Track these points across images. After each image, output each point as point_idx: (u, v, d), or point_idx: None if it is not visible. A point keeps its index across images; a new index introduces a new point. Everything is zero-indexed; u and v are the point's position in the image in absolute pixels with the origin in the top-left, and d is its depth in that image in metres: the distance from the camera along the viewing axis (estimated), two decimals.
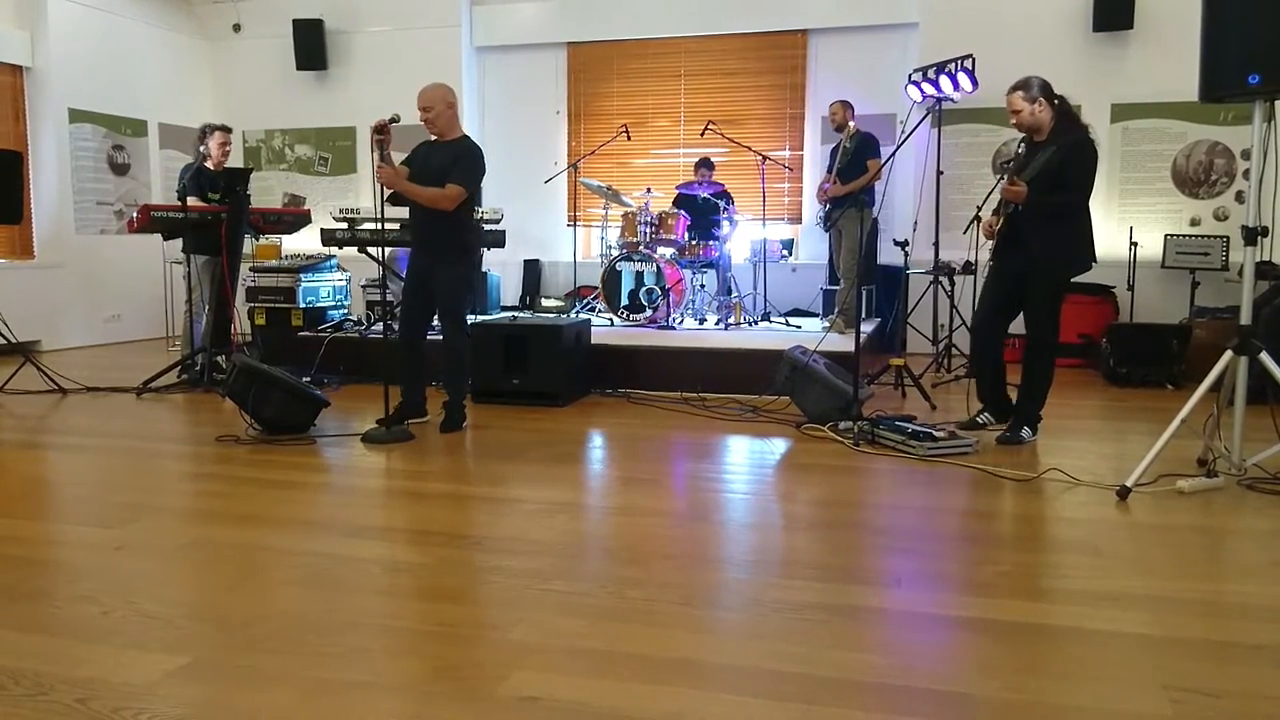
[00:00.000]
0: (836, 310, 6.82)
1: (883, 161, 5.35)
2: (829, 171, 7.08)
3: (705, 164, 7.88)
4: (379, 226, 4.67)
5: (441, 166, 4.64)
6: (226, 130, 6.55)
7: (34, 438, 4.79)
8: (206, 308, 6.24)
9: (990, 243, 4.64)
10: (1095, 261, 4.50)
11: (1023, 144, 4.63)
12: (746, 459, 4.36)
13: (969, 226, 6.61)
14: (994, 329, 4.68)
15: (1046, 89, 4.41)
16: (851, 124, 6.99)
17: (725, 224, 7.50)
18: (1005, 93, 4.48)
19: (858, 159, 6.87)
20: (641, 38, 9.02)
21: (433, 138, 4.80)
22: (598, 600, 2.57)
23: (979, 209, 6.67)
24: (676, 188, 8.01)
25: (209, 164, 6.42)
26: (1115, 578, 2.76)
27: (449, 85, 4.78)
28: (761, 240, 8.03)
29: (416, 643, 2.31)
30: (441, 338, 4.89)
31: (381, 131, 4.46)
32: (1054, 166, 4.33)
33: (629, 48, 9.11)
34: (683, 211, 7.49)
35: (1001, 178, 4.55)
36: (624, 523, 3.33)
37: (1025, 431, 4.58)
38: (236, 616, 2.46)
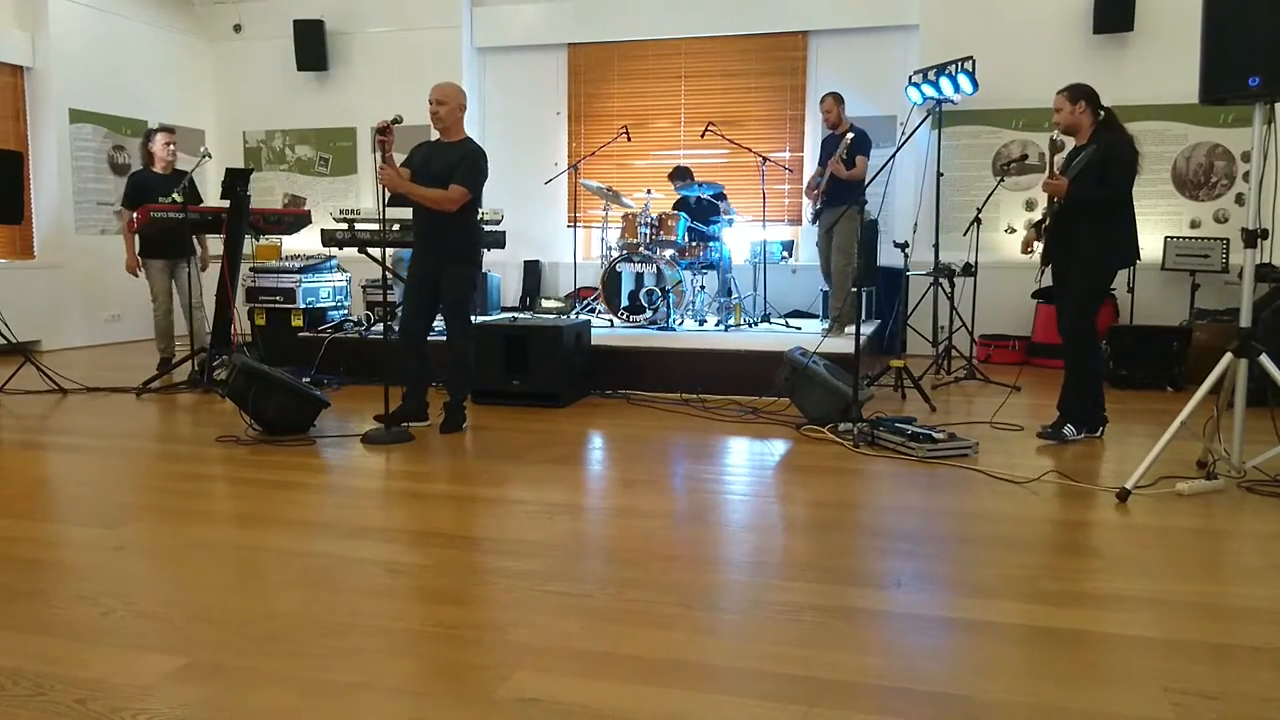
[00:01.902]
0: (831, 319, 6.82)
1: (883, 164, 5.32)
2: (820, 165, 7.00)
3: (678, 174, 7.84)
4: (379, 227, 4.66)
5: (444, 167, 4.62)
6: (169, 131, 6.58)
7: (34, 438, 4.79)
8: (181, 309, 6.33)
9: (1036, 254, 4.70)
10: (1139, 258, 4.61)
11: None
12: (746, 460, 4.36)
13: (969, 228, 6.64)
14: None
15: (1092, 96, 4.57)
16: (846, 124, 6.90)
17: (724, 224, 7.50)
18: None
19: (849, 158, 6.83)
20: (642, 39, 9.03)
21: (433, 138, 4.79)
22: (598, 602, 2.57)
23: (979, 211, 6.70)
24: (677, 189, 8.00)
25: (156, 168, 6.45)
26: (1115, 580, 2.76)
27: (463, 89, 4.79)
28: (761, 242, 8.03)
29: (416, 644, 2.31)
30: (446, 339, 4.88)
31: (384, 133, 4.46)
32: (1095, 164, 4.44)
33: (629, 49, 9.11)
34: (682, 214, 7.48)
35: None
36: (624, 524, 3.33)
37: (1068, 429, 4.62)
38: (236, 617, 2.46)
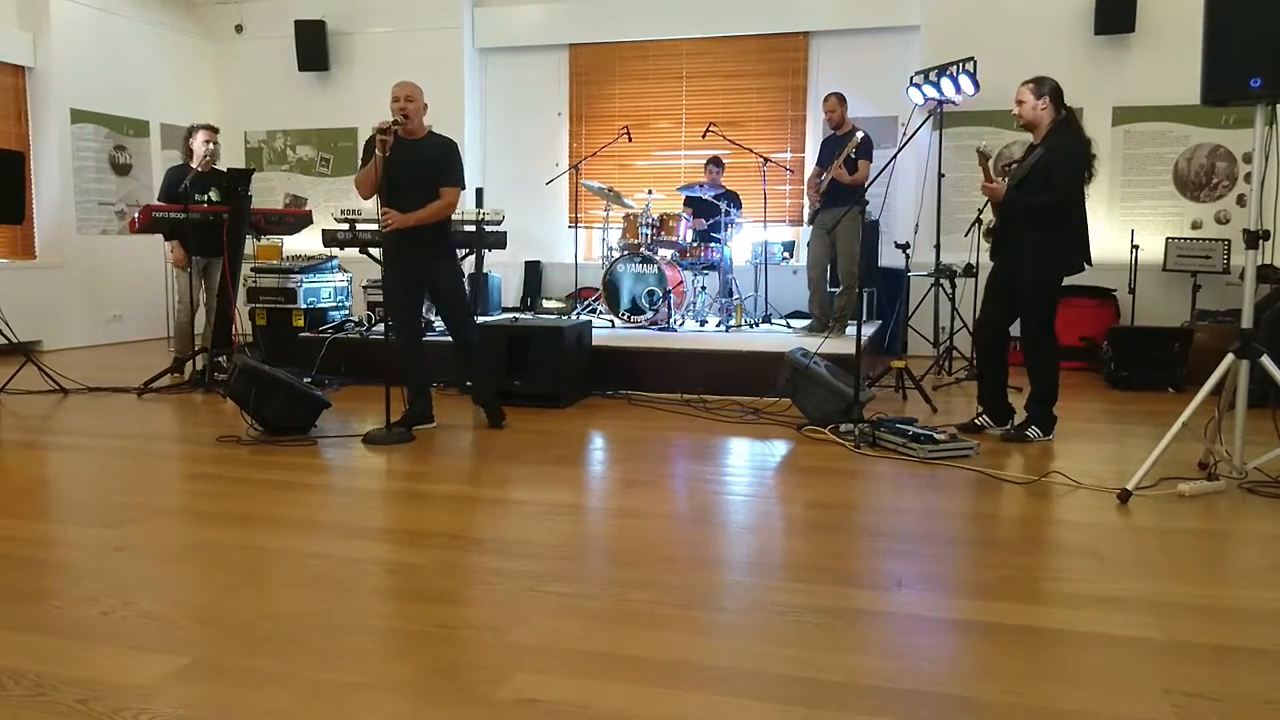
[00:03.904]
0: (812, 319, 6.86)
1: (885, 165, 5.33)
2: (818, 165, 6.99)
3: (715, 162, 7.86)
4: (380, 227, 4.63)
5: (421, 164, 4.58)
6: (211, 129, 6.46)
7: (35, 438, 4.79)
8: (204, 307, 6.28)
9: (987, 244, 4.72)
10: (1089, 264, 4.54)
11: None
12: (747, 461, 4.36)
13: (970, 229, 6.63)
14: (996, 331, 4.71)
15: (1057, 93, 4.48)
16: (850, 124, 6.89)
17: (729, 226, 7.51)
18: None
19: (855, 159, 6.82)
20: (643, 39, 9.03)
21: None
22: (598, 602, 2.57)
23: (980, 211, 6.69)
24: (679, 189, 8.00)
25: (194, 164, 6.36)
26: (1116, 581, 2.76)
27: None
28: (763, 242, 8.03)
29: (416, 645, 2.31)
30: (454, 335, 4.85)
31: (385, 133, 4.45)
32: (1041, 168, 4.39)
33: (631, 49, 9.12)
34: (687, 214, 7.47)
35: (1004, 179, 4.60)
36: (625, 525, 3.33)
37: (1032, 431, 4.62)
38: (237, 617, 2.46)
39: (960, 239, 7.11)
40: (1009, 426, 4.70)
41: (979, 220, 6.64)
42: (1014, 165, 4.71)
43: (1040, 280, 4.51)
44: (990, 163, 4.69)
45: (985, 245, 4.77)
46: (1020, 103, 4.50)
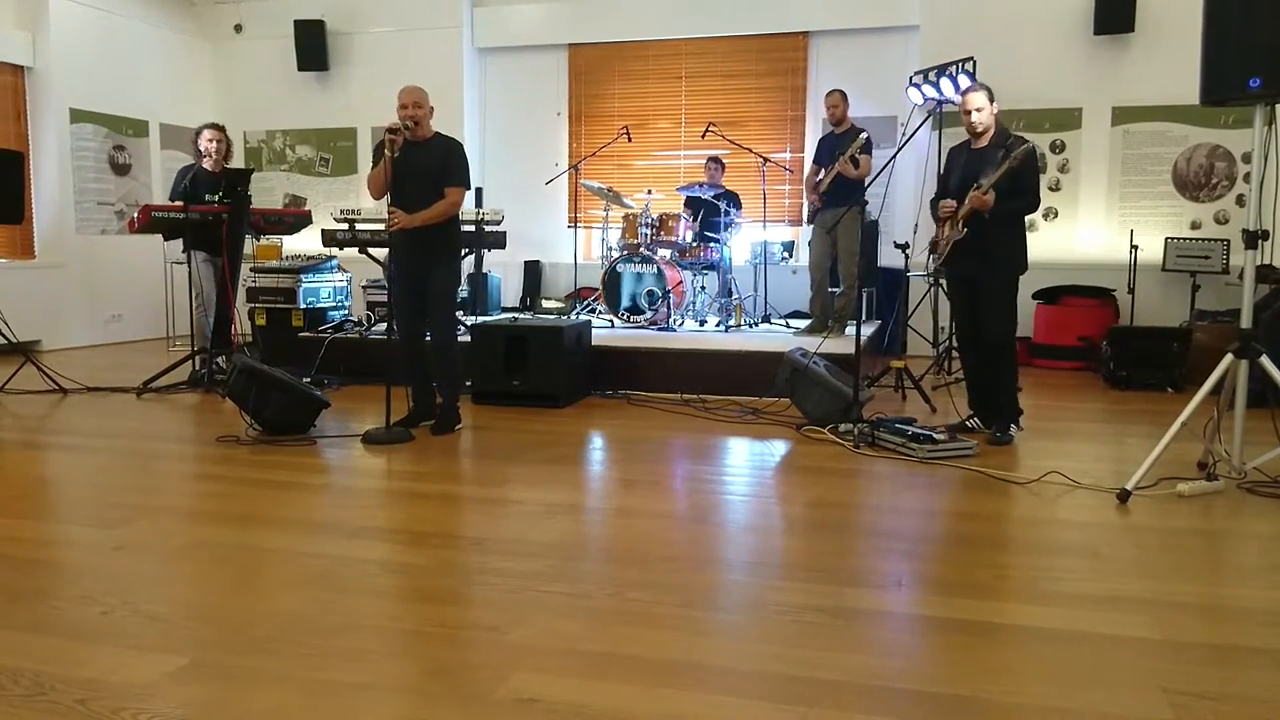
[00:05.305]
0: (813, 319, 6.85)
1: (884, 165, 5.33)
2: (816, 164, 6.97)
3: (715, 160, 7.86)
4: (381, 227, 4.63)
5: (427, 166, 4.60)
6: (216, 128, 6.40)
7: (34, 437, 4.79)
8: (199, 305, 6.26)
9: (933, 253, 4.80)
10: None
11: (951, 152, 4.83)
12: (746, 461, 4.36)
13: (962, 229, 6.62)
14: (976, 337, 4.75)
15: (992, 94, 4.63)
16: (850, 122, 6.88)
17: (728, 226, 7.50)
18: (963, 93, 4.69)
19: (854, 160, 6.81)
20: (642, 39, 9.03)
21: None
22: (597, 602, 2.57)
23: (962, 221, 6.67)
24: (679, 189, 7.99)
25: (206, 164, 6.32)
26: (1115, 581, 2.76)
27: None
28: (762, 242, 8.03)
29: (415, 644, 2.31)
30: (431, 336, 4.82)
31: (393, 133, 4.47)
32: (1008, 173, 4.43)
33: (630, 49, 9.11)
34: (686, 214, 7.46)
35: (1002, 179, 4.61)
36: (624, 525, 3.33)
37: (1012, 428, 4.69)
38: (236, 617, 2.46)
39: None
40: (995, 433, 4.69)
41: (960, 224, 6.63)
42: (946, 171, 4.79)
43: (1013, 280, 4.64)
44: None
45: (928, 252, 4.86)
46: (979, 110, 4.58)
